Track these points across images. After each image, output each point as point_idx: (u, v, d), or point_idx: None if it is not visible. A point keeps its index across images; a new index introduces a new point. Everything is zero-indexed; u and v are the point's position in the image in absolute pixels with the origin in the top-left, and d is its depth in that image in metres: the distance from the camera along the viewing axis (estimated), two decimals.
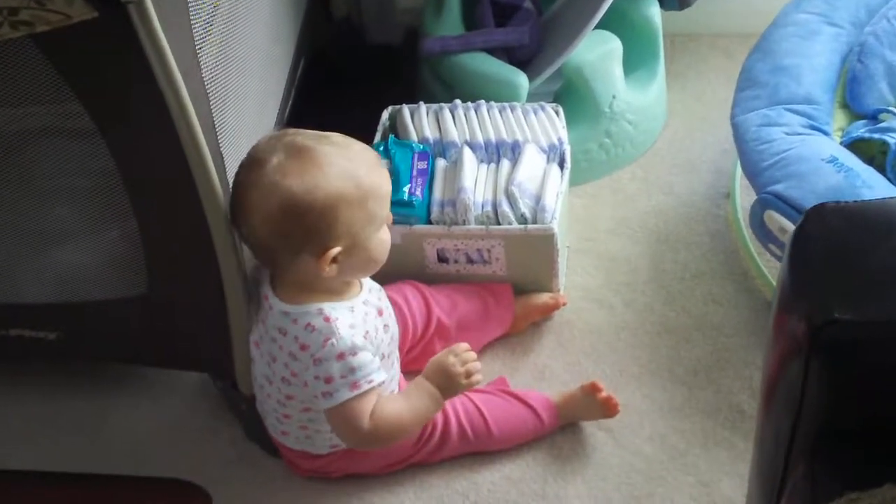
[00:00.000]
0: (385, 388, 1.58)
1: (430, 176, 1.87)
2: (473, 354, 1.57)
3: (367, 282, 1.63)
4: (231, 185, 1.51)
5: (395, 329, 1.65)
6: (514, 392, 1.76)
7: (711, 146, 2.22)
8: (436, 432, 1.68)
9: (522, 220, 1.83)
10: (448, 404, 1.69)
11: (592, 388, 1.74)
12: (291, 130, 1.53)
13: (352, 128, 1.61)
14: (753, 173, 1.75)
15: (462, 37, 2.09)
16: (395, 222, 1.81)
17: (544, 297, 1.89)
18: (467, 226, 1.82)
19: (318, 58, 2.21)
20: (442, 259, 1.88)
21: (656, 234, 2.07)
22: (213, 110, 1.50)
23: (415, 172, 1.85)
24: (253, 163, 1.49)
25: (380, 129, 1.96)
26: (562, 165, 1.90)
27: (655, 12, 2.18)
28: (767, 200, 1.70)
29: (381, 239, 1.54)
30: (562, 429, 1.76)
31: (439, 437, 1.69)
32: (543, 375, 1.86)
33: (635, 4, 2.17)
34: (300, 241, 1.47)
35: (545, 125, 1.94)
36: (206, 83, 1.47)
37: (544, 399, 1.75)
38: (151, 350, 1.73)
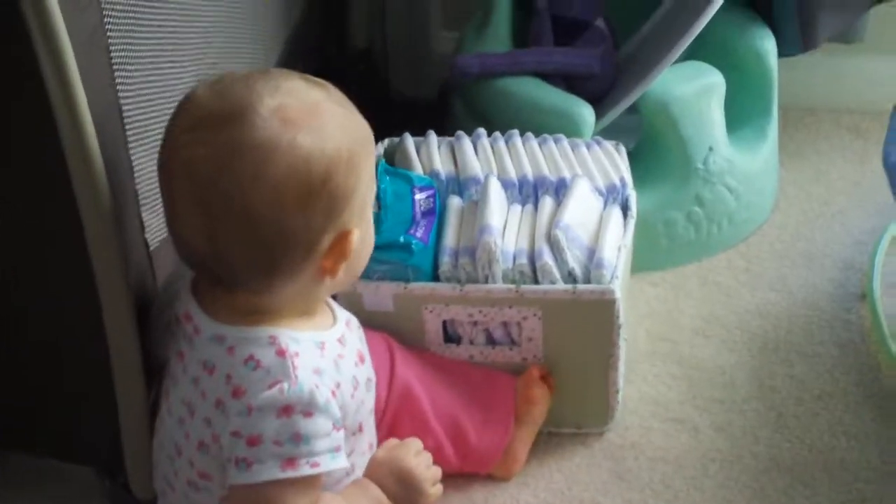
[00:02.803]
0: (341, 482, 1.05)
1: (437, 218, 1.31)
2: (429, 455, 1.13)
3: (342, 312, 1.09)
4: (167, 159, 0.96)
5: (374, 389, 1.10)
6: None
7: (838, 237, 1.66)
8: None
9: (570, 278, 1.25)
10: None
11: None
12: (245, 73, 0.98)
13: None
14: None
15: (509, 54, 1.57)
16: (383, 278, 1.26)
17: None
18: (490, 284, 1.25)
19: None
20: (450, 338, 1.30)
21: (762, 341, 1.49)
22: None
23: (417, 210, 1.29)
24: (227, 118, 0.93)
25: None
26: (625, 212, 1.34)
27: (770, 49, 1.63)
28: None
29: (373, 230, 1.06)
30: None
31: None
32: None
33: (744, 36, 1.63)
34: (323, 220, 0.95)
35: (601, 161, 1.39)
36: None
37: None
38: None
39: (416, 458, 1.10)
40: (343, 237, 0.97)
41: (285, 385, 0.93)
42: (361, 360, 1.06)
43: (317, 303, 1.03)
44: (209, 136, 0.92)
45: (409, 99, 1.91)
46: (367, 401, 1.05)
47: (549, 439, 1.34)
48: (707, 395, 1.41)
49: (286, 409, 0.93)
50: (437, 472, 1.11)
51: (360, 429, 1.06)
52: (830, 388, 1.41)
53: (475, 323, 1.29)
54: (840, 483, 1.29)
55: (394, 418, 1.25)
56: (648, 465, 1.32)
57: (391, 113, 1.86)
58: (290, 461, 0.94)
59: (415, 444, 1.12)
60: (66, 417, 1.15)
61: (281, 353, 0.95)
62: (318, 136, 0.93)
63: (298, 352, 0.96)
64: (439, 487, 1.12)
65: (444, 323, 1.29)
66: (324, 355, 0.99)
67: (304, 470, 0.94)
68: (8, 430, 1.18)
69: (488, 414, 1.29)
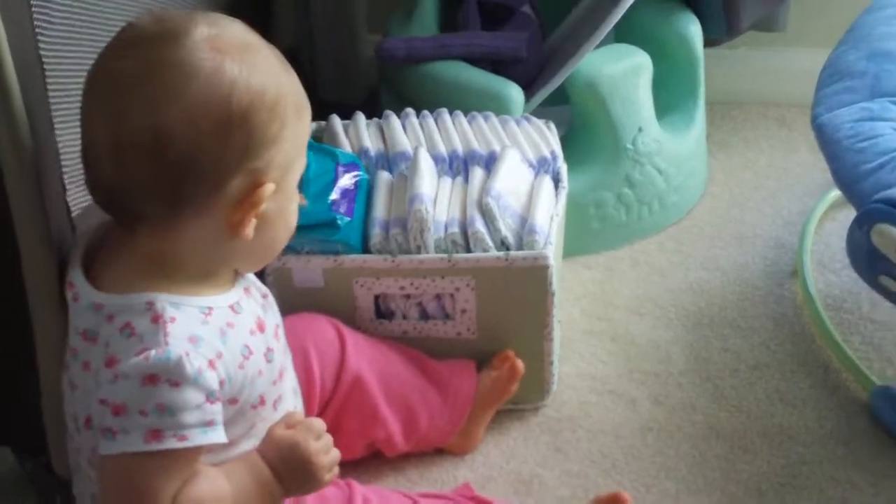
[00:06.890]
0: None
1: (363, 194, 1.29)
2: (331, 437, 0.99)
3: (245, 279, 1.02)
4: (91, 74, 0.92)
5: (284, 360, 1.02)
6: (484, 498, 1.13)
7: (769, 218, 1.67)
8: None
9: (503, 247, 1.24)
10: None
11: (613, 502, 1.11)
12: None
13: None
14: (852, 179, 1.20)
15: (435, 38, 1.56)
16: (313, 252, 1.24)
17: (496, 370, 1.29)
18: (422, 255, 1.23)
19: None
20: (383, 313, 1.28)
21: (696, 317, 1.48)
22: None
23: (338, 185, 1.27)
24: (159, 37, 0.90)
25: None
26: (556, 182, 1.33)
27: (695, 34, 1.64)
28: (878, 211, 1.14)
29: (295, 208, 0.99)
30: None
31: None
32: (530, 489, 1.24)
33: (669, 21, 1.64)
34: (236, 158, 0.90)
35: (532, 136, 1.39)
36: None
37: None
38: None
39: (317, 441, 0.96)
40: (255, 186, 0.91)
41: (152, 352, 0.87)
42: (261, 328, 0.98)
43: (221, 265, 0.96)
44: (137, 51, 0.89)
45: (337, 102, 1.89)
46: (266, 371, 0.97)
47: None
48: (643, 369, 1.40)
49: (151, 378, 0.86)
50: (335, 456, 0.98)
51: (262, 401, 0.97)
52: (766, 359, 1.41)
53: (408, 296, 1.27)
54: (779, 447, 1.28)
55: (339, 409, 1.21)
56: (587, 437, 1.31)
57: (320, 111, 1.85)
58: (155, 433, 0.87)
59: (316, 425, 0.98)
60: None
61: (155, 320, 0.89)
62: (246, 69, 0.89)
63: (175, 317, 0.90)
64: (335, 472, 0.99)
65: (377, 298, 1.27)
66: (207, 322, 0.92)
67: (171, 443, 0.87)
68: None
69: (446, 399, 1.26)
